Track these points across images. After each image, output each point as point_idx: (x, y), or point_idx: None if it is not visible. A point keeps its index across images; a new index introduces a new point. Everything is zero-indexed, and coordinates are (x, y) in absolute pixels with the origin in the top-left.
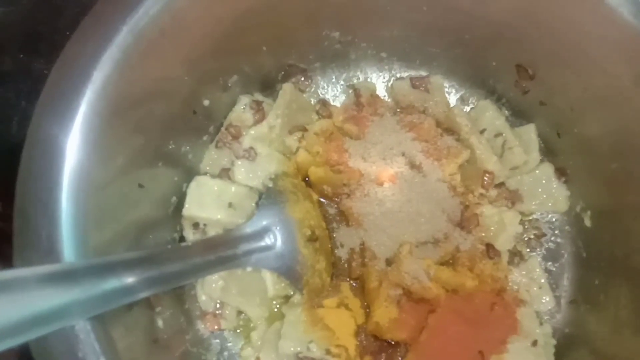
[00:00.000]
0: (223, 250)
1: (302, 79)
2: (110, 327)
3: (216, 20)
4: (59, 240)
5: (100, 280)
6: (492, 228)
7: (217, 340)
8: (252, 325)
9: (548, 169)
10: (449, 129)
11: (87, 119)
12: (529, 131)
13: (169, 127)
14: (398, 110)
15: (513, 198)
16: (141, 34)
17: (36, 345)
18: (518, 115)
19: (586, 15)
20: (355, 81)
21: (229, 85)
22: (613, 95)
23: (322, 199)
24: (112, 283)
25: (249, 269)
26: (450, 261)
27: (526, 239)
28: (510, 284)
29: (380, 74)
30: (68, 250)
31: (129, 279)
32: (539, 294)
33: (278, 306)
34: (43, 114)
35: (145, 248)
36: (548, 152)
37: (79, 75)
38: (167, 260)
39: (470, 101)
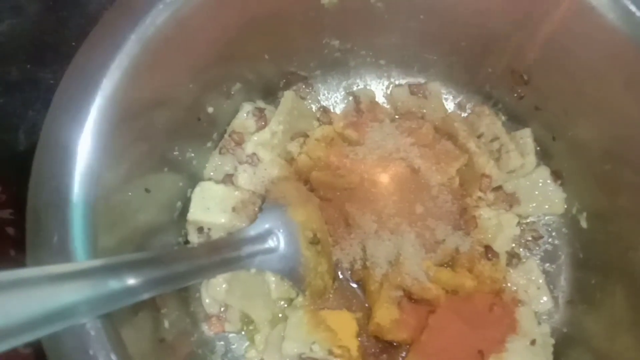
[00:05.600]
0: (227, 252)
1: (303, 86)
2: (119, 326)
3: (220, 30)
4: (70, 242)
5: (110, 279)
6: (491, 230)
7: (222, 342)
8: (256, 327)
9: (544, 172)
10: (447, 134)
11: (97, 125)
12: (525, 135)
13: (174, 134)
14: (397, 116)
15: (510, 201)
16: (148, 43)
17: (49, 343)
18: (514, 120)
19: (576, 22)
20: (355, 88)
21: (232, 92)
22: (604, 100)
23: (323, 203)
24: (120, 282)
25: (252, 270)
26: (450, 263)
27: (524, 240)
28: (508, 284)
29: (379, 81)
30: (79, 251)
31: (136, 279)
32: (537, 294)
33: (282, 308)
34: (55, 119)
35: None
36: (544, 155)
37: (89, 82)
38: (173, 261)
39: (467, 107)
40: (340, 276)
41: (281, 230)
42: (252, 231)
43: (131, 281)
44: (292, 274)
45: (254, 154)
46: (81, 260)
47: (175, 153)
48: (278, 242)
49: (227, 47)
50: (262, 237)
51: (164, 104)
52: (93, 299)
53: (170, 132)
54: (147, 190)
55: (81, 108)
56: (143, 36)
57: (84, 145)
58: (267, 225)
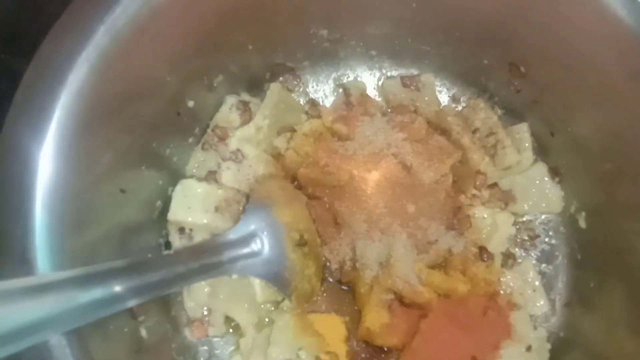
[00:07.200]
0: (207, 258)
1: (291, 78)
2: (88, 338)
3: (199, 19)
4: (33, 249)
5: (78, 292)
6: (485, 230)
7: (205, 348)
8: (240, 331)
9: (542, 168)
10: (440, 129)
11: (62, 125)
12: (522, 130)
13: (151, 130)
14: (389, 109)
15: (506, 199)
16: (119, 34)
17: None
18: (511, 114)
19: (577, 11)
20: (345, 80)
21: (215, 85)
22: (605, 93)
23: (311, 201)
24: (91, 295)
25: (234, 276)
26: (442, 264)
27: (520, 240)
28: (503, 287)
29: (371, 72)
30: (42, 259)
31: (110, 289)
32: (533, 297)
33: (268, 311)
34: (15, 121)
35: (130, 254)
36: (541, 151)
37: (53, 78)
38: (148, 269)
39: (462, 100)
40: (330, 278)
41: (265, 233)
42: (234, 234)
43: (104, 292)
44: (277, 279)
45: (238, 149)
46: (44, 267)
47: (153, 150)
48: (262, 245)
49: (206, 37)
50: (245, 240)
51: (139, 99)
52: (60, 315)
53: (147, 128)
54: (122, 191)
55: (44, 107)
56: (113, 27)
57: (47, 147)
58: (250, 228)
